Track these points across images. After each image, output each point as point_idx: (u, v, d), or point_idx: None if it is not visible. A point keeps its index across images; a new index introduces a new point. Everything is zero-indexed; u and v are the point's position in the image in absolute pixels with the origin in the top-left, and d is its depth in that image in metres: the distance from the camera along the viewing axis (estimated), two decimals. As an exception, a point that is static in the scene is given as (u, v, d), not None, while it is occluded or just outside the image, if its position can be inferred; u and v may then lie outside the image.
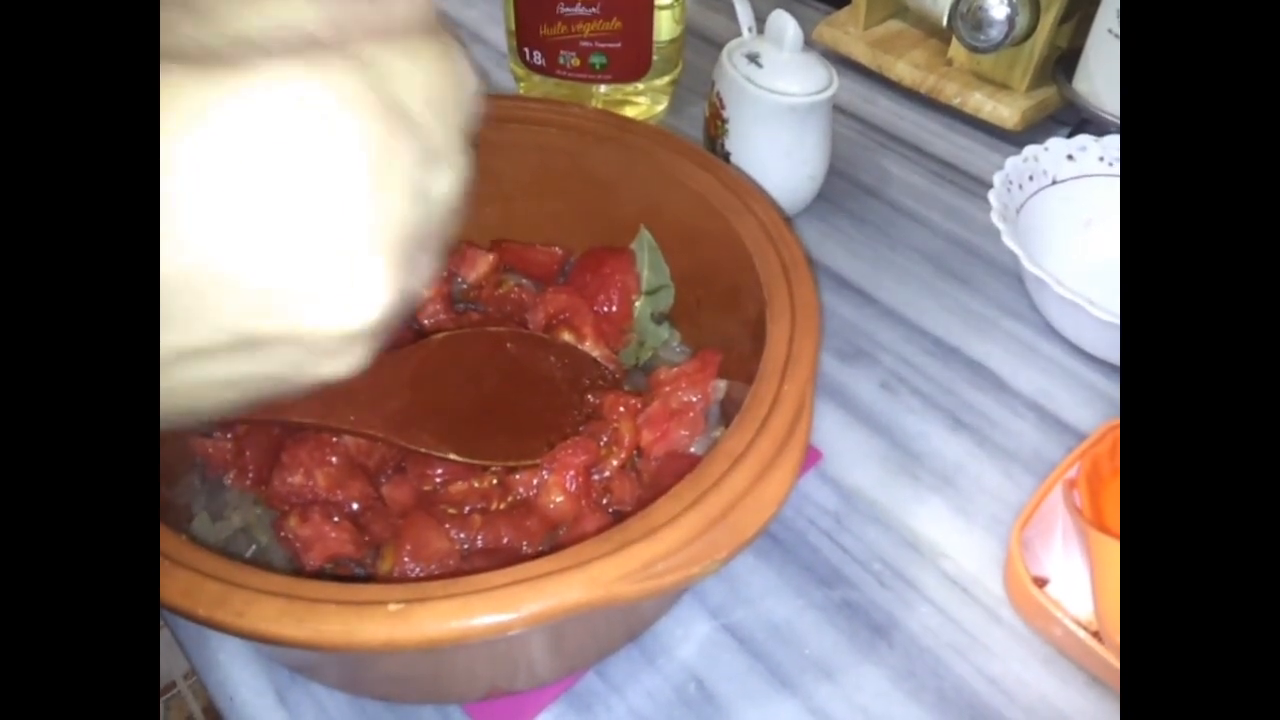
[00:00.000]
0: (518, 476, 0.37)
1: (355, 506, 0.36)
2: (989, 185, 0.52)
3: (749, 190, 0.40)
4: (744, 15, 0.55)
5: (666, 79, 0.65)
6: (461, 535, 0.35)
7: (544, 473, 0.37)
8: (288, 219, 0.18)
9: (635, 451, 0.39)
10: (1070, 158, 0.55)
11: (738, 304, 0.38)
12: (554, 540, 0.36)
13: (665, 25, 0.61)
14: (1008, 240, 0.48)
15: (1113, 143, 0.55)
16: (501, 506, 0.37)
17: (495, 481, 0.38)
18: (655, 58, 0.62)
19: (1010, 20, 0.60)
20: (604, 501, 0.37)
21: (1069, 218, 0.54)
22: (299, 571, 0.34)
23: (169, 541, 0.27)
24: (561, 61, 0.61)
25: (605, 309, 0.44)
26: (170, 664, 1.16)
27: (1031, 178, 0.54)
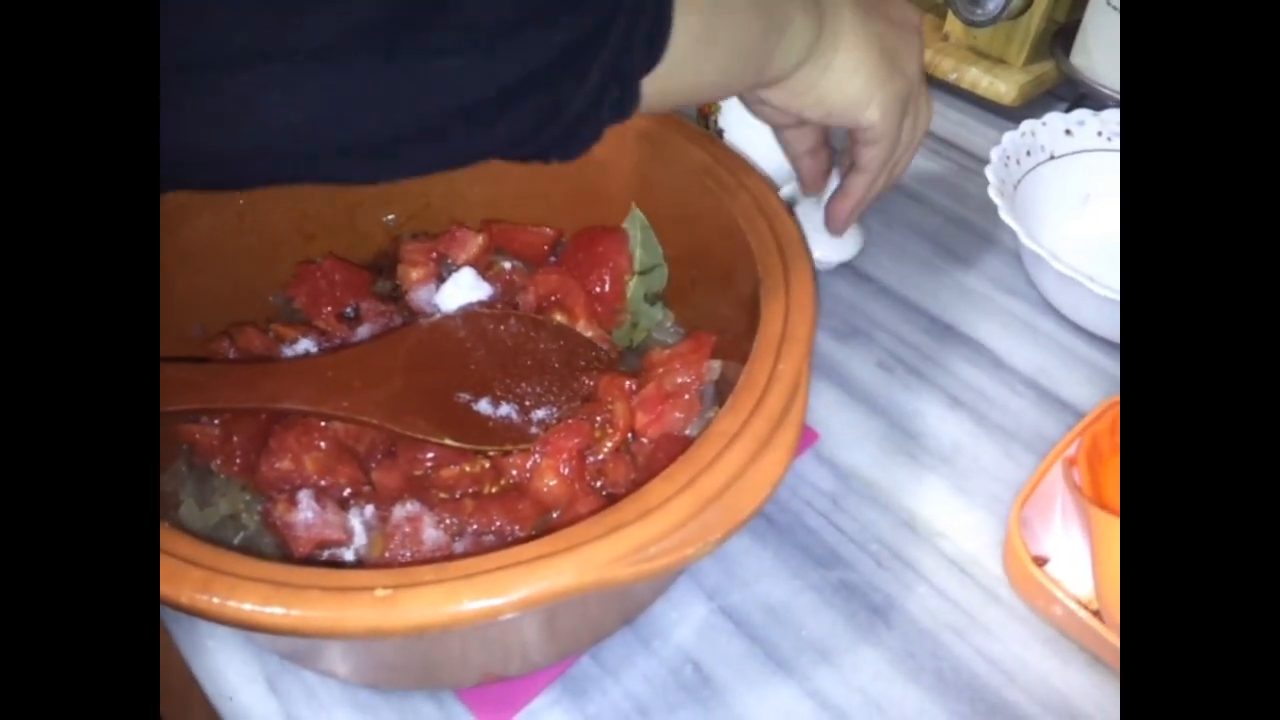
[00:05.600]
0: (511, 460, 0.37)
1: (346, 492, 0.36)
2: (986, 161, 0.51)
3: (742, 167, 0.39)
4: None
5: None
6: (453, 520, 0.34)
7: (537, 456, 0.36)
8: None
9: (629, 434, 0.38)
10: (1068, 133, 0.54)
11: (732, 283, 0.37)
12: (547, 524, 0.36)
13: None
14: (1005, 216, 0.47)
15: (1111, 117, 0.54)
16: (494, 490, 0.37)
17: (487, 465, 0.37)
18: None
19: (1007, -7, 0.59)
20: (598, 484, 0.37)
21: (1067, 193, 0.54)
22: (287, 558, 0.34)
23: (152, 528, 0.26)
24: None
25: (598, 289, 0.43)
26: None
27: (1029, 153, 0.53)
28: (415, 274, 0.43)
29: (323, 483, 0.35)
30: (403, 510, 0.34)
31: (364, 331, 0.42)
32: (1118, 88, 0.59)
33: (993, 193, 0.49)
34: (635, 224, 0.44)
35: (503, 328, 0.41)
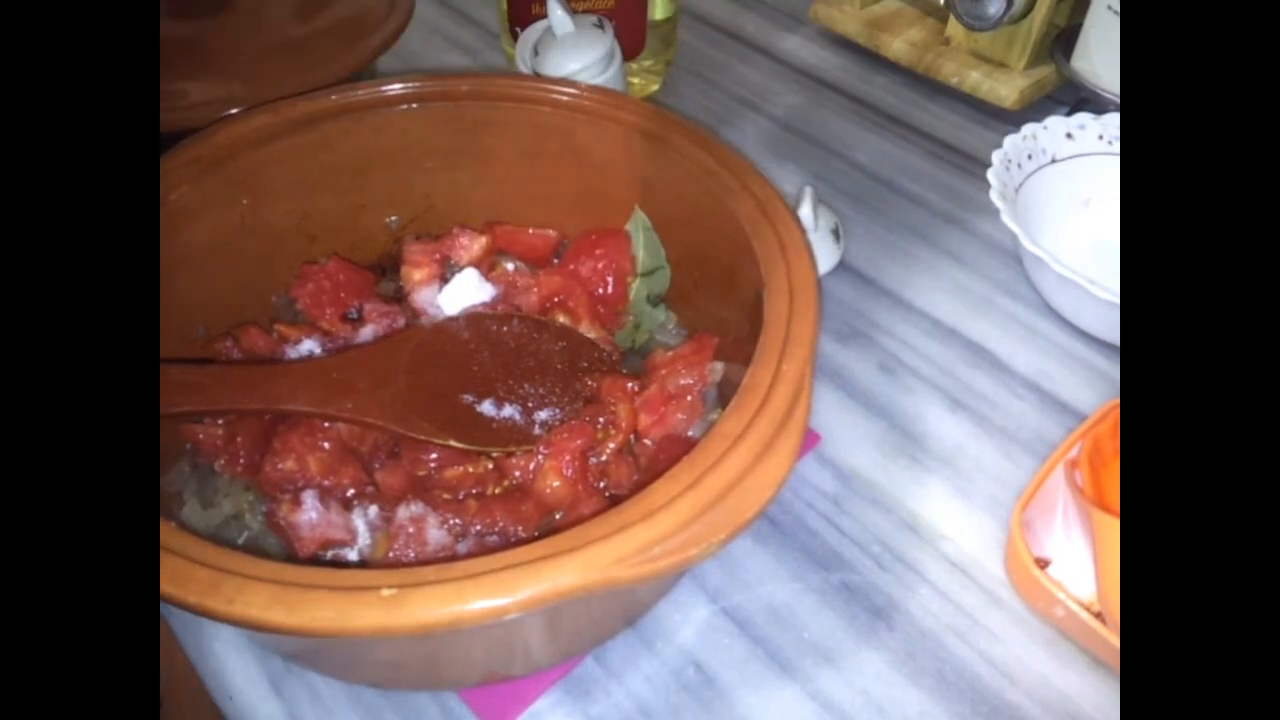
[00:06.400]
0: (514, 460, 0.37)
1: (349, 492, 0.36)
2: (987, 164, 0.51)
3: (745, 169, 0.39)
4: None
5: (661, 59, 0.64)
6: (456, 521, 0.35)
7: (540, 457, 0.36)
8: None
9: (632, 435, 0.38)
10: (1069, 136, 0.54)
11: (735, 285, 0.38)
12: (550, 525, 0.36)
13: (659, 4, 0.60)
14: (1006, 219, 0.47)
15: (1112, 121, 0.54)
16: (497, 491, 0.37)
17: (491, 466, 0.37)
18: (649, 37, 0.61)
19: (1008, -3, 0.59)
20: (601, 485, 0.37)
21: (1068, 197, 0.54)
22: (292, 558, 0.34)
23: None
24: (554, 41, 0.60)
25: (600, 291, 0.43)
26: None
27: (1030, 156, 0.53)
28: (418, 275, 0.44)
29: (326, 483, 0.35)
30: (407, 511, 0.34)
31: (367, 333, 0.42)
32: (1118, 91, 0.59)
33: (994, 196, 0.49)
34: (638, 226, 0.44)
35: (505, 329, 0.41)
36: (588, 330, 0.42)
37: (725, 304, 0.39)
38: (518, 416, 0.38)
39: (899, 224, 0.57)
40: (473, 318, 0.41)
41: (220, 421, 0.37)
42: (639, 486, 0.32)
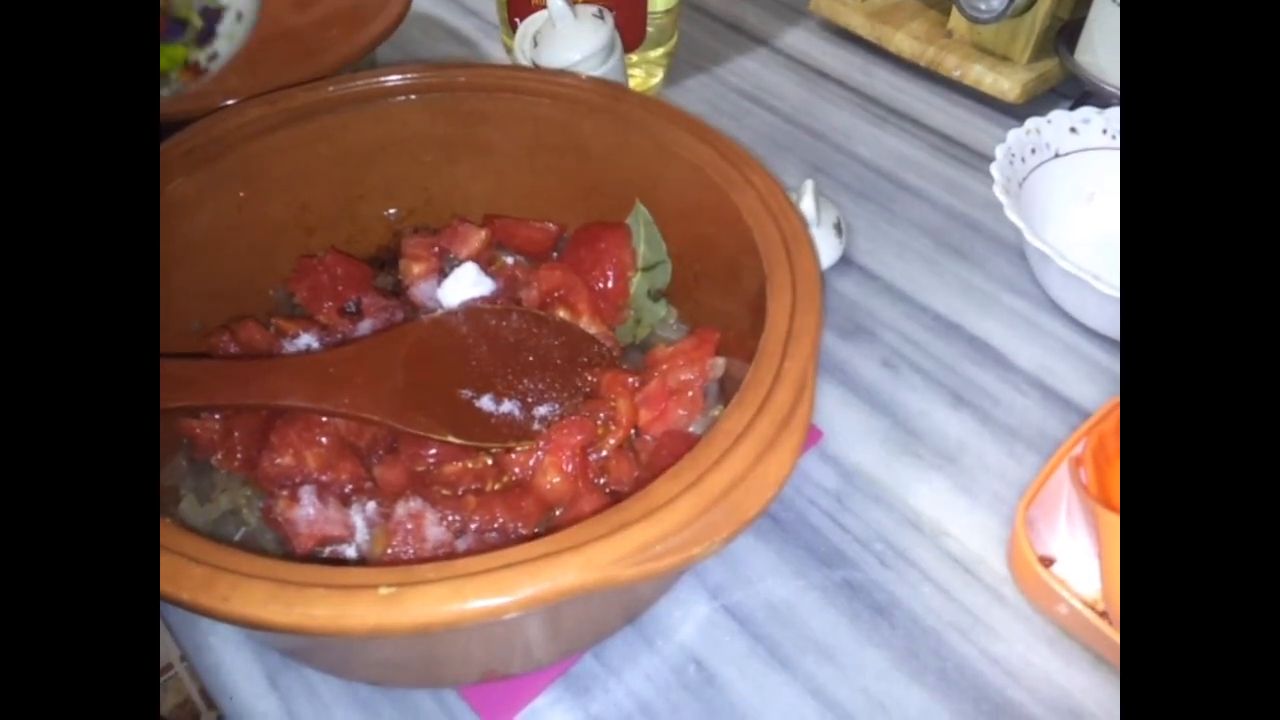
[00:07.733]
0: (514, 456, 0.36)
1: (347, 488, 0.36)
2: (990, 159, 0.51)
3: (748, 161, 0.39)
4: None
5: (662, 50, 0.64)
6: (455, 517, 0.34)
7: (540, 453, 0.36)
8: None
9: (633, 431, 0.38)
10: (1073, 130, 0.54)
11: (737, 279, 0.37)
12: (550, 521, 0.36)
13: (660, -5, 0.60)
14: (1010, 214, 0.47)
15: (1116, 115, 0.54)
16: (496, 487, 0.36)
17: (490, 462, 0.37)
18: (650, 29, 0.61)
19: (1012, -10, 0.59)
20: (601, 481, 0.37)
21: (1072, 191, 0.53)
22: (289, 554, 0.34)
23: (152, 525, 0.26)
24: (554, 33, 0.59)
25: (601, 285, 0.43)
26: (167, 646, 1.16)
27: (1034, 151, 0.53)
28: (417, 269, 0.43)
29: (324, 478, 0.35)
30: (405, 507, 0.34)
31: (365, 326, 0.41)
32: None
33: (998, 190, 0.48)
34: (638, 219, 0.43)
35: (505, 324, 0.41)
36: (588, 325, 0.42)
37: (727, 299, 0.39)
38: (517, 412, 0.38)
39: (902, 218, 0.57)
40: (471, 312, 0.41)
41: (217, 416, 0.37)
42: (640, 483, 0.32)
